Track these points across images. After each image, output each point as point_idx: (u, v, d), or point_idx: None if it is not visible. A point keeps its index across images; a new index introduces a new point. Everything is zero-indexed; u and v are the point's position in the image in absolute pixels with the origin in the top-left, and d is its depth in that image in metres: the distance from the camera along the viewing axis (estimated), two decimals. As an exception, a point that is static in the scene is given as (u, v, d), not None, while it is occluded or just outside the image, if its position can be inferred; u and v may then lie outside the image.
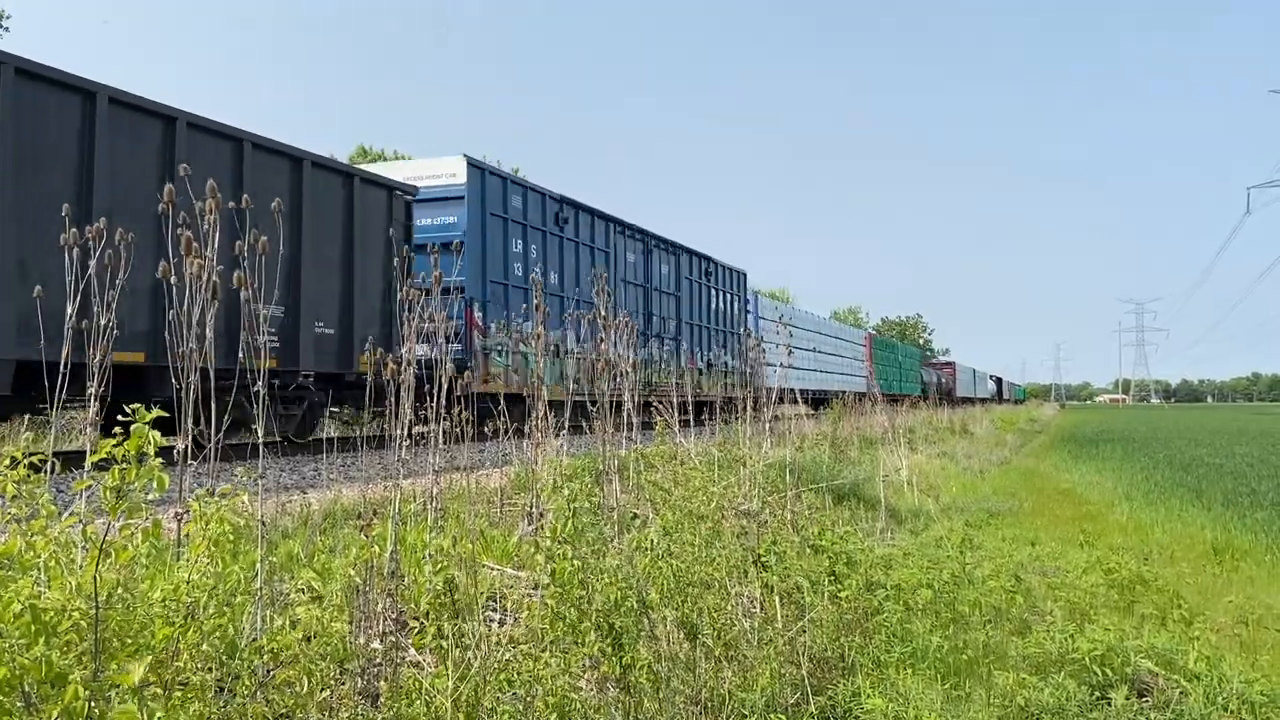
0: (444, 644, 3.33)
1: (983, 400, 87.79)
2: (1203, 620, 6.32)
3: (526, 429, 6.95)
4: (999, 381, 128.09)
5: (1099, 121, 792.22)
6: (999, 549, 8.79)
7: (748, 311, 32.05)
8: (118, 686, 2.33)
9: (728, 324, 29.94)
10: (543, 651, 3.48)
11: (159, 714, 2.31)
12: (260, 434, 3.76)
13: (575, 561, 3.61)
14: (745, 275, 32.10)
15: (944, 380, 73.27)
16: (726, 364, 29.32)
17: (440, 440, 5.17)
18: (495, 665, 3.35)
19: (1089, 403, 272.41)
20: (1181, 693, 4.74)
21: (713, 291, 28.92)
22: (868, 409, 20.90)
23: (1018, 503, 13.53)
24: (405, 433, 4.80)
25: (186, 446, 3.33)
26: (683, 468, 8.31)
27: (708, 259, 28.76)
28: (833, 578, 5.76)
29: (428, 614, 3.46)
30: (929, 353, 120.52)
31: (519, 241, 18.42)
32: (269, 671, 2.88)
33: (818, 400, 34.82)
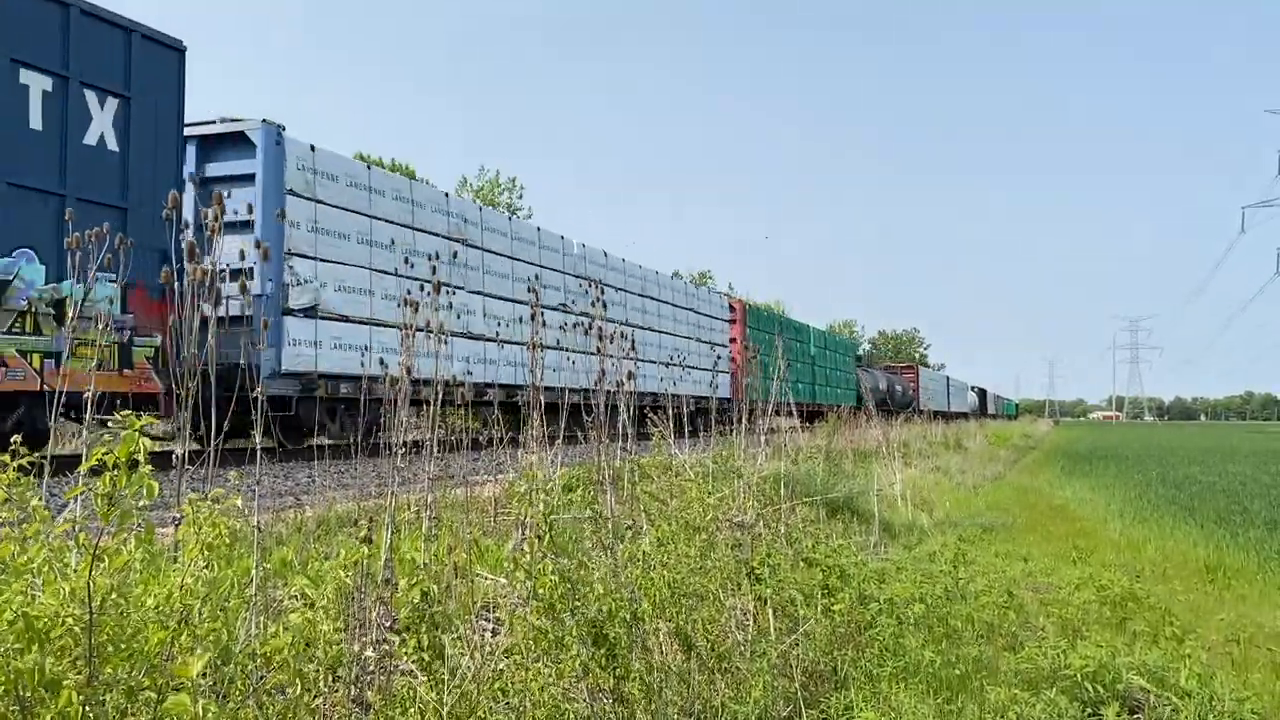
0: (424, 656, 3.32)
1: (961, 415, 70.42)
2: (1195, 638, 6.33)
3: (521, 438, 6.96)
4: (982, 394, 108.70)
5: (1096, 137, 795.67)
6: (992, 564, 8.82)
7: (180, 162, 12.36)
8: (111, 690, 2.33)
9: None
10: (534, 661, 3.48)
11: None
12: (258, 439, 3.76)
13: (554, 576, 3.60)
14: (179, 55, 12.15)
15: (900, 388, 56.38)
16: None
17: (435, 448, 5.17)
18: (489, 675, 3.34)
19: (1083, 419, 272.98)
20: (1173, 710, 4.74)
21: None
22: (861, 423, 20.92)
23: (1011, 518, 13.56)
24: (401, 440, 4.80)
25: (185, 451, 3.33)
26: (679, 479, 8.31)
27: None
28: (826, 591, 5.76)
29: (407, 626, 3.46)
30: (905, 355, 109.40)
31: None
32: (262, 677, 2.87)
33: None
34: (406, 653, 3.39)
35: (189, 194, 12.63)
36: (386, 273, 15.41)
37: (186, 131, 12.52)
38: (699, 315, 29.85)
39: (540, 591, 3.61)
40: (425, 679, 3.28)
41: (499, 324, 18.19)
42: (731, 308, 33.87)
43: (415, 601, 3.43)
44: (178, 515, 2.86)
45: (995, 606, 6.49)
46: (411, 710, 3.19)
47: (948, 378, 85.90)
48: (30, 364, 9.97)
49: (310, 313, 14.08)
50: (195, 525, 2.80)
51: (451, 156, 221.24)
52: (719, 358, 29.36)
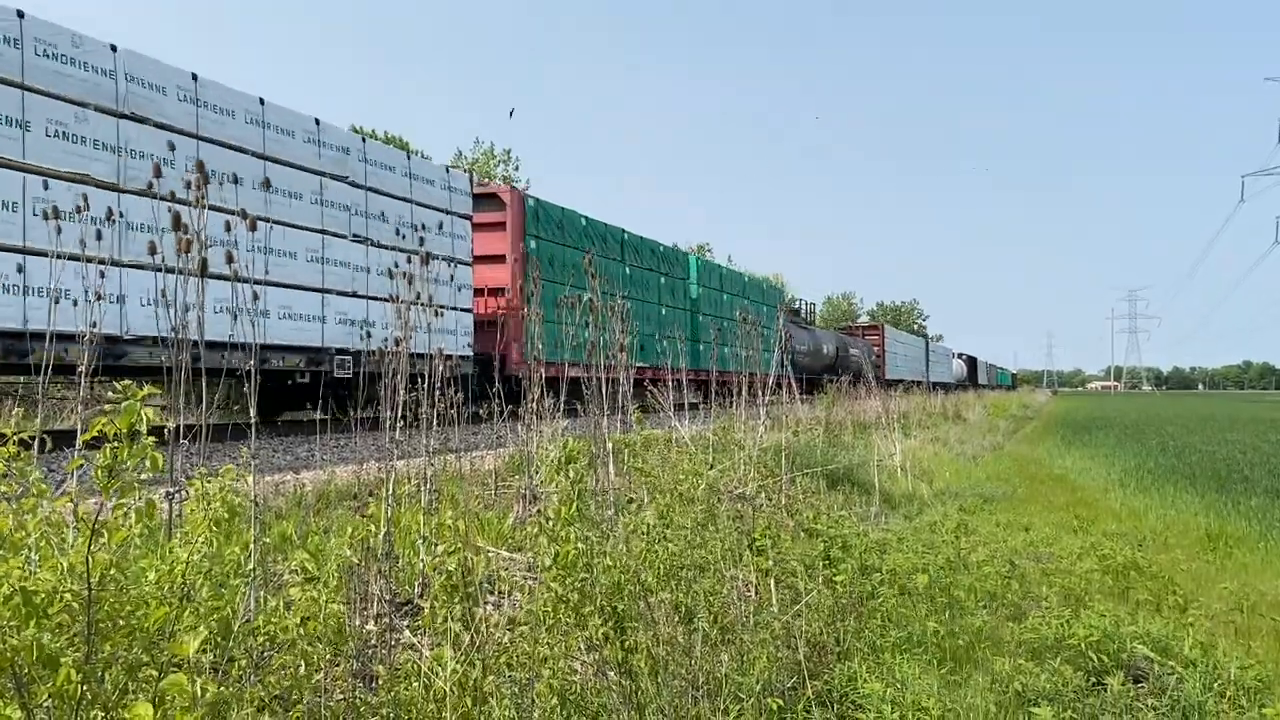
0: (454, 627, 3.29)
1: (944, 386, 58.71)
2: (1197, 607, 6.32)
3: (521, 411, 6.93)
4: (972, 362, 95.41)
5: (1094, 109, 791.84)
6: (993, 534, 8.81)
7: None
8: (110, 668, 2.30)
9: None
10: (543, 634, 3.46)
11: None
12: (254, 414, 3.72)
13: (579, 545, 3.57)
14: None
15: (857, 353, 45.37)
16: None
17: (434, 422, 5.14)
18: (496, 648, 3.32)
19: (1081, 389, 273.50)
20: (1177, 679, 4.73)
21: None
22: (861, 394, 20.90)
23: (1011, 488, 13.54)
24: (399, 414, 4.77)
25: (179, 425, 3.29)
26: (672, 452, 8.30)
27: None
28: (828, 562, 5.75)
29: (435, 596, 3.42)
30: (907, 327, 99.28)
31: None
32: (265, 654, 2.85)
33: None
34: (436, 625, 3.34)
35: None
36: None
37: None
38: (391, 200, 15.02)
39: (560, 560, 3.55)
40: (438, 650, 3.25)
41: None
42: (493, 199, 18.52)
43: (451, 570, 3.38)
44: (171, 490, 2.82)
45: (998, 576, 6.49)
46: (417, 684, 3.17)
47: (926, 342, 73.63)
48: None
49: None
50: (204, 500, 2.77)
51: (447, 132, 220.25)
52: (457, 287, 16.07)
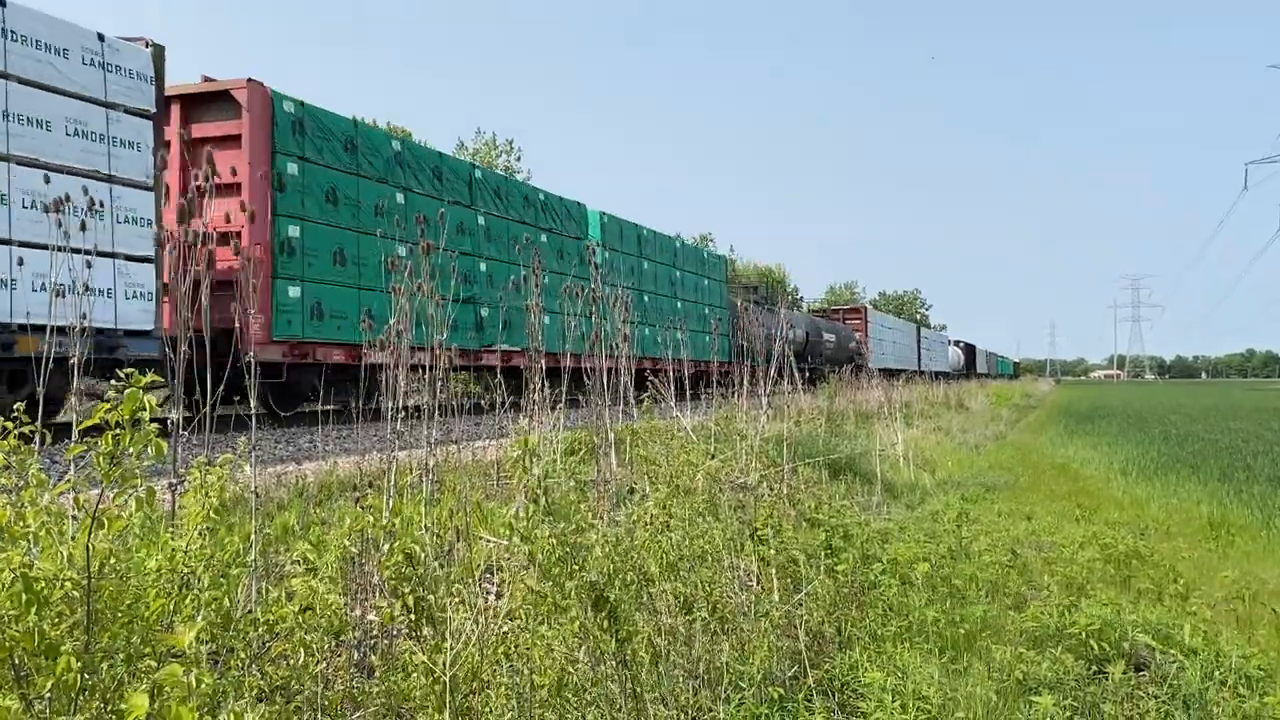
0: (411, 618, 3.30)
1: (942, 376, 52.08)
2: (1199, 595, 6.32)
3: (523, 402, 6.94)
4: (970, 350, 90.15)
5: (1095, 98, 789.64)
6: (995, 523, 8.80)
7: None
8: (111, 659, 2.30)
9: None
10: (539, 625, 3.46)
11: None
12: (254, 404, 3.72)
13: (552, 540, 3.55)
14: None
15: (833, 338, 39.79)
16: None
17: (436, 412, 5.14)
18: (493, 638, 3.32)
19: (1084, 378, 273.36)
20: (1179, 667, 4.73)
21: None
22: (863, 382, 20.89)
23: (1013, 478, 13.53)
24: (400, 405, 4.77)
25: (180, 416, 3.28)
26: (673, 442, 8.29)
27: None
28: (829, 551, 5.75)
29: (391, 587, 3.42)
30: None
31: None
32: (265, 644, 2.85)
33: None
34: (393, 615, 3.35)
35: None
36: None
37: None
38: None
39: (538, 555, 3.56)
40: (416, 644, 3.26)
41: None
42: (222, 100, 13.06)
43: (399, 563, 3.38)
44: (173, 481, 2.81)
45: (999, 565, 6.49)
46: (415, 675, 3.17)
47: (918, 328, 67.50)
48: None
49: None
50: (202, 491, 2.77)
51: (450, 121, 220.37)
52: (120, 220, 10.77)
